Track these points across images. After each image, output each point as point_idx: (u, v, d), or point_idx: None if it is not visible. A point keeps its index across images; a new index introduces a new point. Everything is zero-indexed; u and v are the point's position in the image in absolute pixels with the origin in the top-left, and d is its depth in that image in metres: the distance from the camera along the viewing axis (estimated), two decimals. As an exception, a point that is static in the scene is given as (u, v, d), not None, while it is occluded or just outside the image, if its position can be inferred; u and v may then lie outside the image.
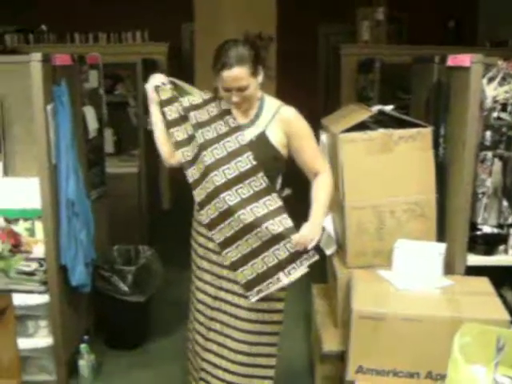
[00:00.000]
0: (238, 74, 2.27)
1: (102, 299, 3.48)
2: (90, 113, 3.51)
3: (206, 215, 2.47)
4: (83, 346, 3.22)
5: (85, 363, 3.21)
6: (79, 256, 3.10)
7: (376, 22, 5.86)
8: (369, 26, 5.83)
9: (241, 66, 2.26)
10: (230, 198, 2.39)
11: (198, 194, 2.49)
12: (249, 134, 2.41)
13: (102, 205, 3.72)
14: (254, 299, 2.45)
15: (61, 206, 3.01)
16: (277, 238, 2.39)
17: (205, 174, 2.43)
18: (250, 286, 2.45)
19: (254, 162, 2.38)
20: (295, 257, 2.41)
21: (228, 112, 2.45)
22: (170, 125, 2.52)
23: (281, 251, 2.40)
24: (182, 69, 6.12)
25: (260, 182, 2.40)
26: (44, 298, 3.06)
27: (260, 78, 2.38)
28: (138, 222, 4.90)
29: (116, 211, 3.96)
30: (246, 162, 2.39)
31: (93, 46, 6.03)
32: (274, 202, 2.41)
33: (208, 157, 2.41)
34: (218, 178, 2.39)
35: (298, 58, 5.92)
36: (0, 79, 2.95)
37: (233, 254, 2.45)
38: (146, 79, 2.56)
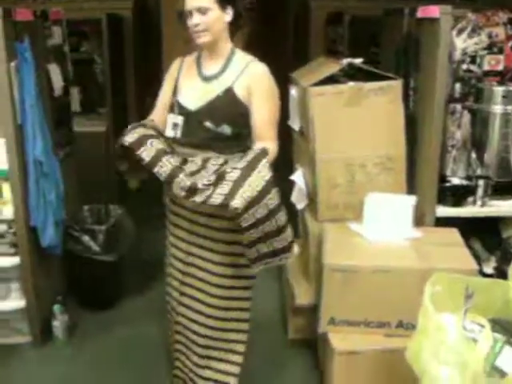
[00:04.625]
0: None
1: (74, 259, 3.45)
2: (54, 70, 3.41)
3: None
4: (56, 307, 3.21)
5: (59, 324, 3.21)
6: (49, 217, 3.07)
7: (347, -26, 5.77)
8: (339, -23, 5.72)
9: None
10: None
11: None
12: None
13: (70, 164, 3.65)
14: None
15: (28, 166, 2.95)
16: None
17: None
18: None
19: None
20: None
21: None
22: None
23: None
24: (148, 24, 5.97)
25: None
26: (15, 260, 3.03)
27: (228, 17, 2.30)
28: (106, 180, 4.84)
29: (84, 171, 3.90)
30: None
31: (56, 1, 5.84)
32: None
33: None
34: None
35: (266, 10, 5.80)
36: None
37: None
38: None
